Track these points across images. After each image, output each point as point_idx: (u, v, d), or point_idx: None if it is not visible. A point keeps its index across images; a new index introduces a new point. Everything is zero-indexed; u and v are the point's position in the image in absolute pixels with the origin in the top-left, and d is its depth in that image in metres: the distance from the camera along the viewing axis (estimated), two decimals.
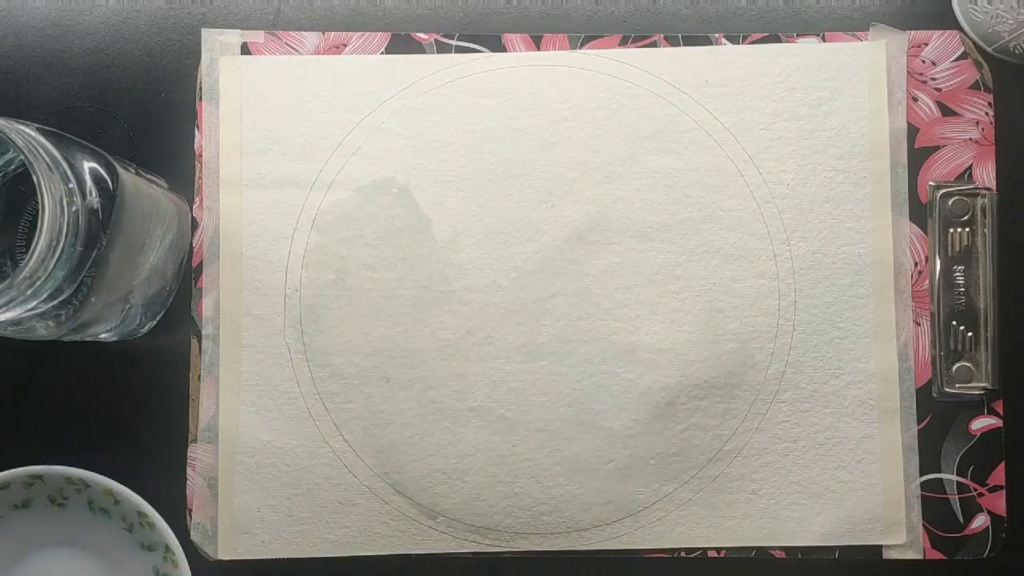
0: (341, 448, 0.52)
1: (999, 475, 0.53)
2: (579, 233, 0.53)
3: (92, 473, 0.49)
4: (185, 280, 0.53)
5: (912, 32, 0.54)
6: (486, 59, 0.54)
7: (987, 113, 0.53)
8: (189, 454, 0.52)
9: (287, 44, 0.54)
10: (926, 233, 0.53)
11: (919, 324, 0.53)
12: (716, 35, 0.54)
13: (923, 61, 0.54)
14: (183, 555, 0.49)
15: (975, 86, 0.54)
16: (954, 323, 0.53)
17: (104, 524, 0.51)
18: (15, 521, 0.51)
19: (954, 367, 0.52)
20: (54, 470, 0.49)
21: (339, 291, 0.53)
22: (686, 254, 0.53)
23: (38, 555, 0.51)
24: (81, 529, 0.51)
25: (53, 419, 0.53)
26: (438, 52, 0.54)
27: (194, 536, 0.52)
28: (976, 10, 0.54)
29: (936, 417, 0.53)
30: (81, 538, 0.51)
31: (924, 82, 0.54)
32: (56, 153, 0.41)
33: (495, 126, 0.53)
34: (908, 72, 0.54)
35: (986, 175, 0.53)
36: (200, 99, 0.54)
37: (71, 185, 0.41)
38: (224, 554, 0.52)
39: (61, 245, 0.40)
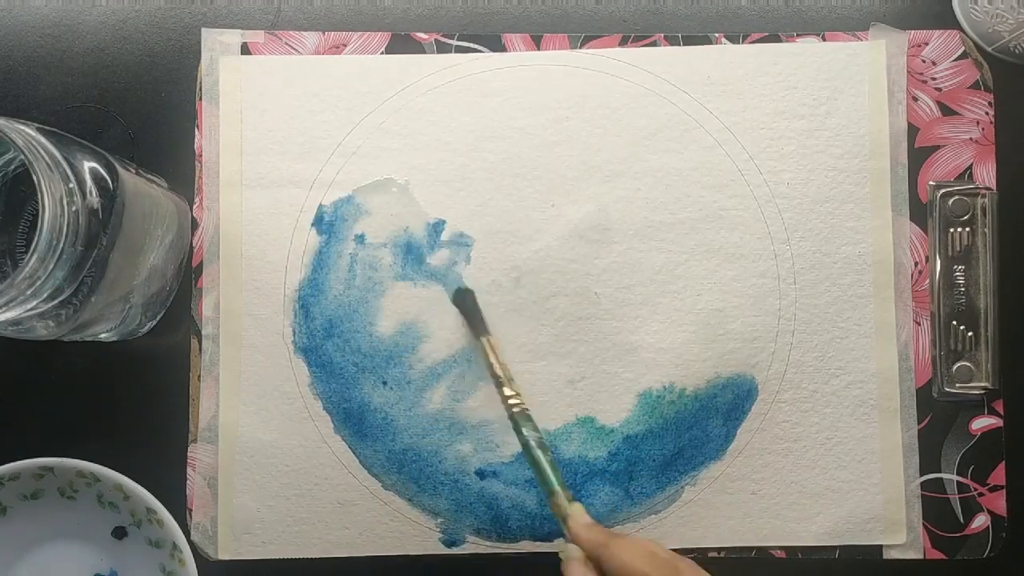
0: (340, 448, 0.52)
1: (999, 475, 0.53)
2: (579, 232, 0.53)
3: (103, 467, 0.49)
4: (185, 280, 0.53)
5: (912, 32, 0.54)
6: (486, 59, 0.54)
7: (987, 113, 0.53)
8: (189, 454, 0.52)
9: (287, 44, 0.54)
10: (926, 233, 0.53)
11: (919, 324, 0.53)
12: (716, 35, 0.54)
13: (923, 61, 0.54)
14: (190, 553, 0.49)
15: (975, 86, 0.54)
16: (954, 323, 0.53)
17: (112, 518, 0.51)
18: (24, 512, 0.51)
19: (954, 367, 0.52)
20: (65, 463, 0.49)
21: (339, 291, 0.53)
22: (687, 253, 0.53)
23: (46, 546, 0.52)
24: (89, 522, 0.51)
25: (52, 419, 0.53)
26: (438, 52, 0.54)
27: (194, 536, 0.52)
28: (976, 10, 0.54)
29: (936, 417, 0.53)
30: (89, 532, 0.51)
31: (924, 82, 0.54)
32: (56, 153, 0.41)
33: (495, 126, 0.53)
34: (908, 72, 0.54)
35: (986, 175, 0.53)
36: (200, 99, 0.54)
37: (71, 185, 0.41)
38: (224, 554, 0.52)
39: (61, 245, 0.40)
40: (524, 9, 0.55)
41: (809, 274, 0.53)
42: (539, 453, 0.46)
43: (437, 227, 0.52)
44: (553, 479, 0.45)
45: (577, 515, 0.44)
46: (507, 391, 0.48)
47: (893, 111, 0.53)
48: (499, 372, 0.49)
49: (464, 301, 0.52)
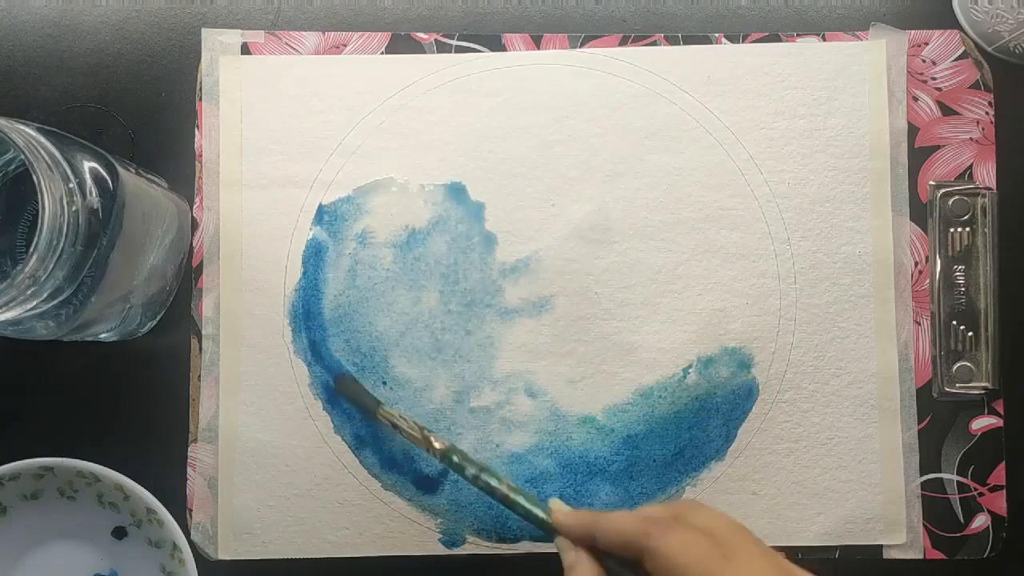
0: (340, 448, 0.52)
1: (999, 475, 0.53)
2: (580, 232, 0.53)
3: (103, 467, 0.49)
4: (185, 280, 0.53)
5: (912, 32, 0.54)
6: (486, 59, 0.54)
7: (987, 113, 0.53)
8: (189, 454, 0.52)
9: (287, 44, 0.54)
10: (926, 233, 0.53)
11: (919, 324, 0.53)
12: (716, 35, 0.54)
13: (923, 61, 0.54)
14: (190, 553, 0.49)
15: (975, 86, 0.54)
16: (954, 323, 0.53)
17: (112, 518, 0.51)
18: (24, 512, 0.51)
19: (954, 367, 0.52)
20: (65, 463, 0.49)
21: (339, 291, 0.53)
22: (687, 253, 0.53)
23: (46, 546, 0.52)
24: (89, 522, 0.51)
25: (53, 419, 0.53)
26: (438, 52, 0.54)
27: (194, 536, 0.52)
28: (976, 10, 0.54)
29: (936, 417, 0.53)
30: (89, 532, 0.51)
31: (924, 82, 0.54)
32: (56, 153, 0.41)
33: (495, 125, 0.53)
34: (908, 72, 0.54)
35: (986, 175, 0.53)
36: (200, 99, 0.54)
37: (71, 185, 0.41)
38: (224, 554, 0.52)
39: (61, 245, 0.40)
40: (524, 9, 0.55)
41: (809, 274, 0.53)
42: (496, 483, 0.46)
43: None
44: (523, 500, 0.45)
45: (558, 508, 0.45)
46: (435, 443, 0.48)
47: (893, 111, 0.53)
48: (416, 434, 0.48)
49: (348, 388, 0.52)
